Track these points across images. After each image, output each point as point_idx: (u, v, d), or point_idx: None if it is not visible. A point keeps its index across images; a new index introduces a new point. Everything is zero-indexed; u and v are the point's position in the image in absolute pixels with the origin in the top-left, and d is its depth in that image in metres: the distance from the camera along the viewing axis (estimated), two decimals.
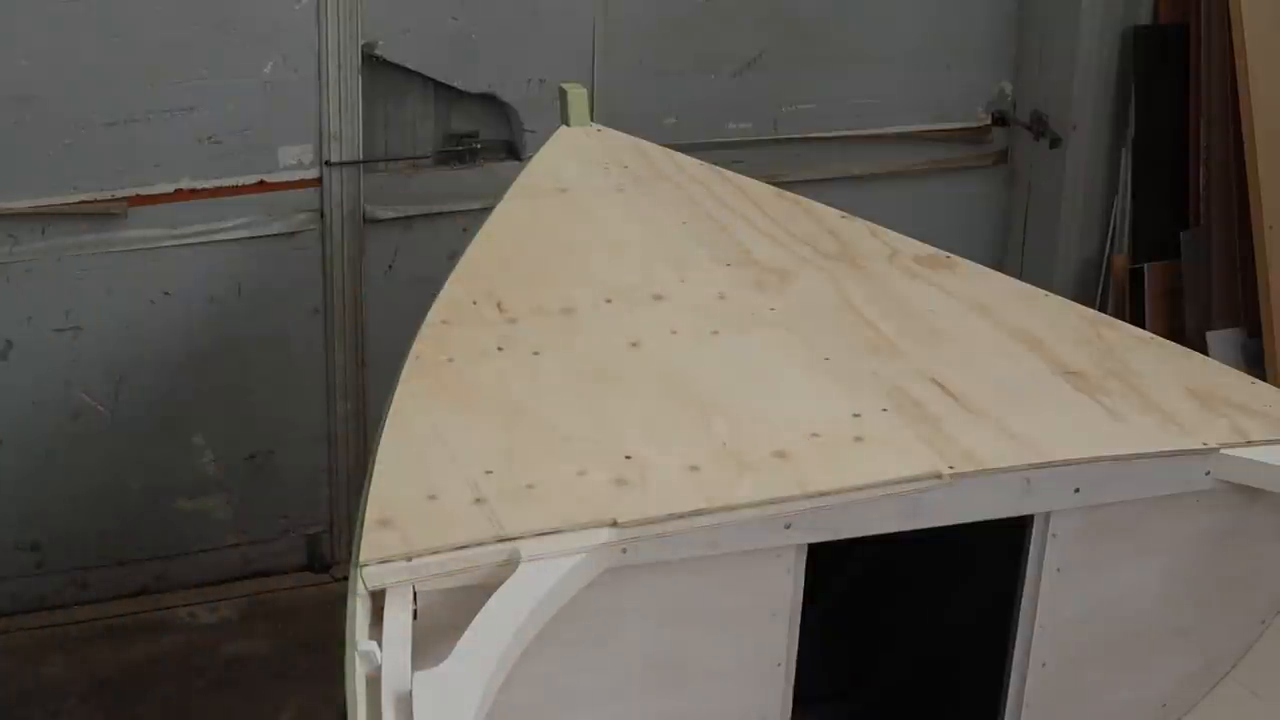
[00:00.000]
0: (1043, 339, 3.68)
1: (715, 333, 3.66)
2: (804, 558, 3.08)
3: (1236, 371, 3.73)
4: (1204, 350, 5.41)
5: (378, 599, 2.74)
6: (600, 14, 5.19)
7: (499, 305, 3.73)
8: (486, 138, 5.23)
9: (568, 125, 4.47)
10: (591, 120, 4.52)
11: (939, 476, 3.06)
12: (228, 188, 4.89)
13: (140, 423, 5.00)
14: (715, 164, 4.43)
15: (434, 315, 3.61)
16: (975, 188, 5.97)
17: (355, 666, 2.56)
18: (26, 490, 4.94)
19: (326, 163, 4.97)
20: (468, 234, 4.07)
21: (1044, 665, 3.34)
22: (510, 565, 2.81)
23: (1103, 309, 5.58)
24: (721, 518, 2.98)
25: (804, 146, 5.45)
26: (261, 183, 4.91)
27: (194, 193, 4.85)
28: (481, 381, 3.41)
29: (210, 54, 4.73)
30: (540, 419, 3.26)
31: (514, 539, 2.86)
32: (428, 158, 5.19)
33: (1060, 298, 4.03)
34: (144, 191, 4.80)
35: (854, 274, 3.90)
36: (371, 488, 2.97)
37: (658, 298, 3.81)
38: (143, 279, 4.87)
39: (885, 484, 3.08)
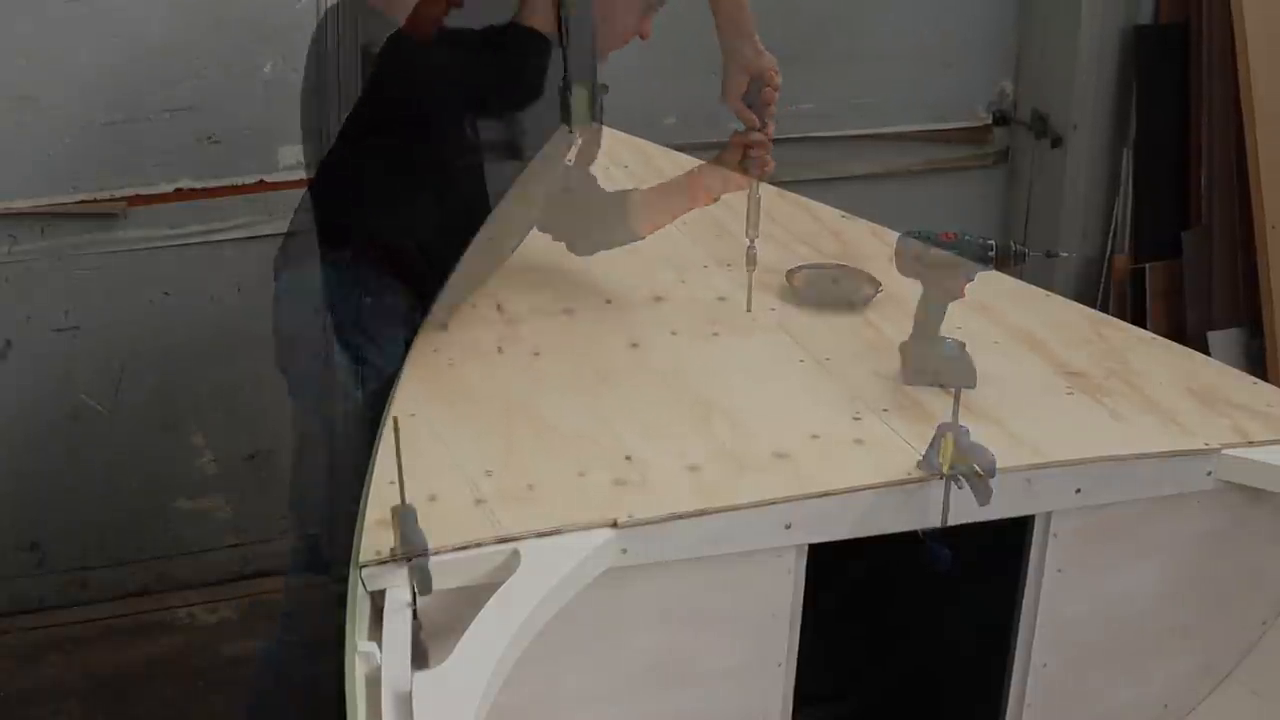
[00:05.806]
0: (1043, 339, 3.68)
1: (715, 334, 3.66)
2: (804, 558, 3.07)
3: (1238, 371, 3.72)
4: (1205, 350, 5.41)
5: (378, 599, 2.73)
6: None
7: (499, 306, 3.73)
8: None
9: (568, 125, 4.45)
10: (592, 120, 4.51)
11: (939, 476, 3.05)
12: (228, 188, 4.88)
13: (140, 423, 4.99)
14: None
15: (434, 315, 3.60)
16: (975, 188, 5.97)
17: (355, 666, 2.56)
18: (26, 490, 4.93)
19: None
20: None
21: (1044, 666, 3.33)
22: (510, 566, 2.80)
23: (1103, 309, 5.57)
24: (721, 518, 2.97)
25: (804, 146, 5.45)
26: (261, 182, 4.90)
27: (194, 193, 4.85)
28: (481, 382, 3.41)
29: (210, 54, 4.73)
30: (540, 419, 3.25)
31: (514, 539, 2.85)
32: None
33: (1061, 297, 4.03)
34: (144, 191, 4.79)
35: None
36: (371, 488, 2.96)
37: (658, 298, 3.81)
38: (143, 279, 4.86)
39: (885, 484, 3.07)
